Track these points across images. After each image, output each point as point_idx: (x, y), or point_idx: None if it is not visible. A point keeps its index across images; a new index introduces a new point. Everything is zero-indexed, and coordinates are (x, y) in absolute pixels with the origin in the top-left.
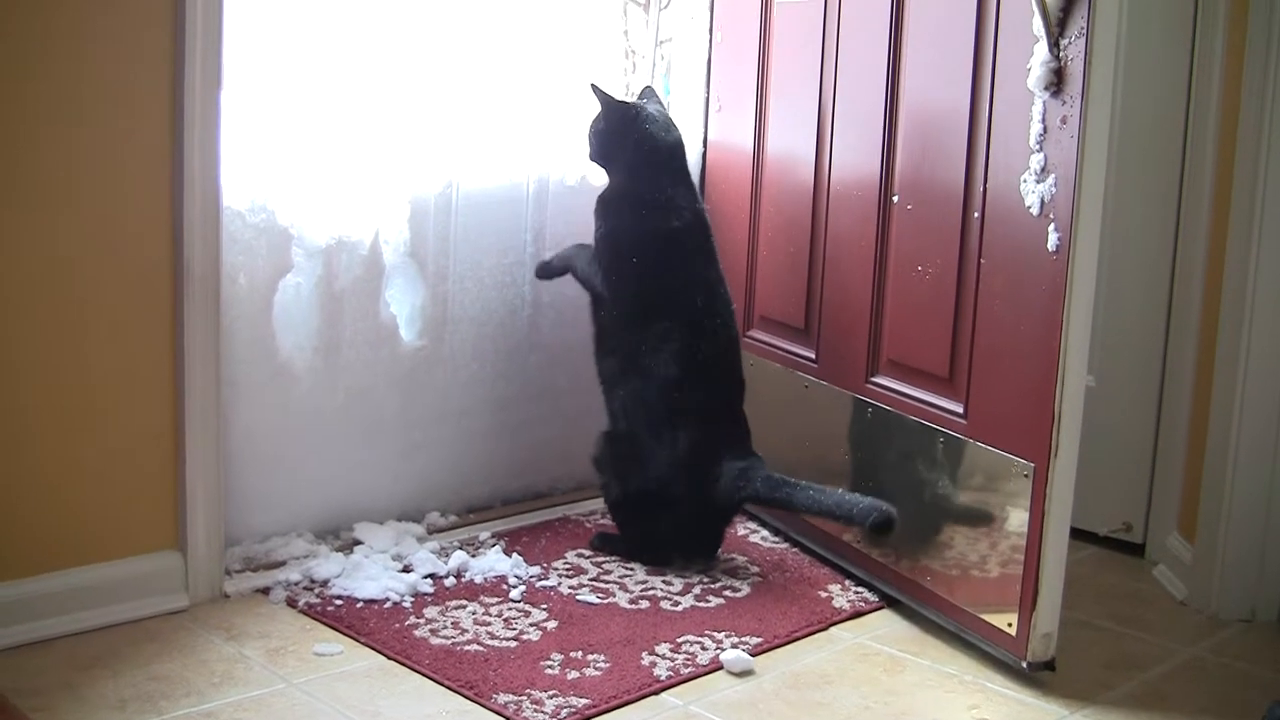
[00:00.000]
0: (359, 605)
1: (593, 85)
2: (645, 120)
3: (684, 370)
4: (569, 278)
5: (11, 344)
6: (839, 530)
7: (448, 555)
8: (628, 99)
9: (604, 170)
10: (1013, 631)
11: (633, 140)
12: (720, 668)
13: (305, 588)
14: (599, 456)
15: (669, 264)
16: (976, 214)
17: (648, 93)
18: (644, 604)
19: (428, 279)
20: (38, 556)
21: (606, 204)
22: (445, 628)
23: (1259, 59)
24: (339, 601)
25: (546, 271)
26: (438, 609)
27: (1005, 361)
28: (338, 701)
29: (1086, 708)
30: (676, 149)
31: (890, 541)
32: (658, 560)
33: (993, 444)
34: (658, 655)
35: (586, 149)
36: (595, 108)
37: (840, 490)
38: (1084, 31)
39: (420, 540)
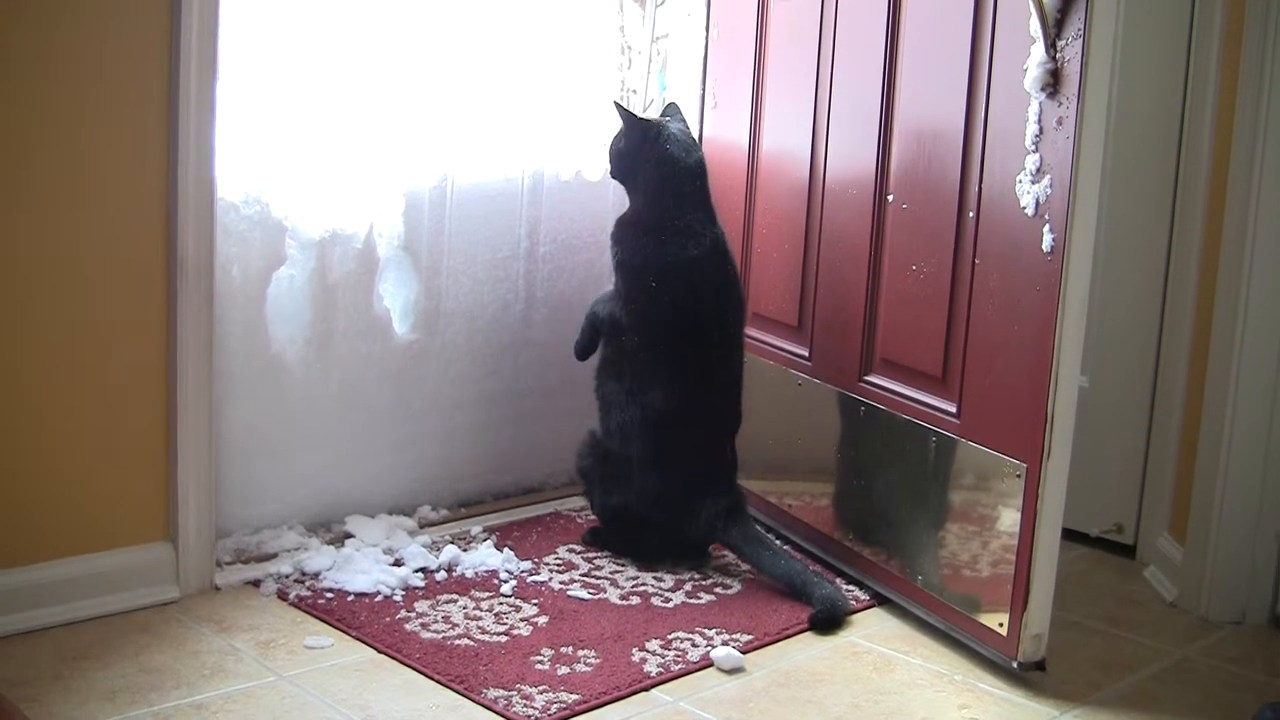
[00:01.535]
0: (350, 598)
1: (615, 103)
2: (666, 140)
3: (688, 407)
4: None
5: (2, 336)
6: (831, 528)
7: (439, 549)
8: (650, 117)
9: (625, 189)
10: (1003, 631)
11: (653, 161)
12: (711, 665)
13: (296, 580)
14: (585, 469)
15: (685, 295)
16: (971, 214)
17: (671, 109)
18: (635, 600)
19: (421, 273)
20: (28, 547)
21: (625, 229)
22: (436, 622)
23: (1254, 61)
24: (330, 594)
25: (583, 349)
26: (428, 603)
27: (999, 361)
28: (328, 695)
29: (1076, 708)
30: (698, 171)
31: (882, 540)
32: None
33: (985, 444)
34: (648, 651)
35: (608, 166)
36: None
37: (811, 568)
38: (1081, 33)
39: (411, 534)
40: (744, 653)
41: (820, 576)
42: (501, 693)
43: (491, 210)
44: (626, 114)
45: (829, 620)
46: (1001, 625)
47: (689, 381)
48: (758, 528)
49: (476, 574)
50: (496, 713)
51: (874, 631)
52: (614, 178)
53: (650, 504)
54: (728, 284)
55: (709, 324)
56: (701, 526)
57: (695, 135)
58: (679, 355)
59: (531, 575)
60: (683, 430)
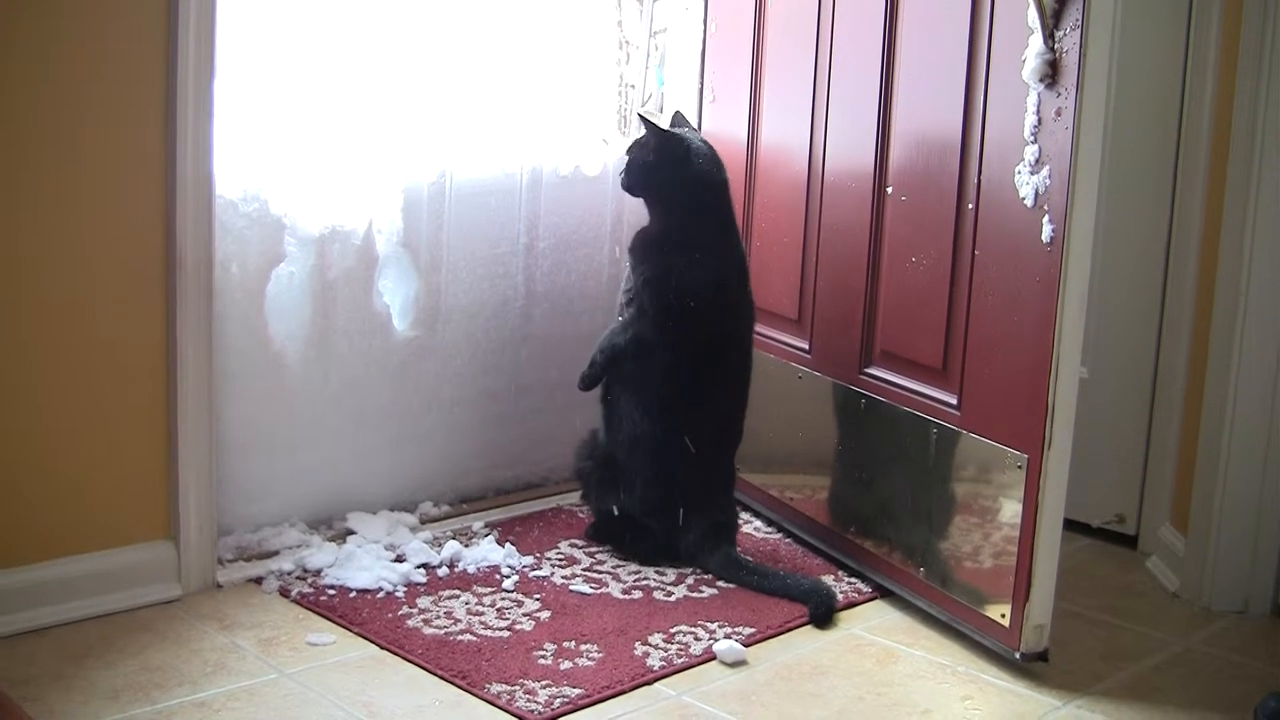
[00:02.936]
0: (352, 595)
1: (641, 115)
2: (697, 156)
3: (702, 424)
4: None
5: (1, 334)
6: (832, 521)
7: (440, 545)
8: (677, 130)
9: (645, 203)
10: (1006, 623)
11: (686, 179)
12: (713, 658)
13: (298, 577)
14: (584, 471)
15: (715, 314)
16: (970, 205)
17: (678, 118)
18: (637, 594)
19: (421, 269)
20: (30, 546)
21: (650, 245)
22: (438, 618)
23: (1253, 50)
24: (332, 591)
25: (592, 382)
26: (431, 599)
27: (999, 353)
28: (330, 691)
29: (1079, 699)
30: (724, 187)
31: (884, 533)
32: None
33: (986, 435)
34: (651, 645)
35: (623, 178)
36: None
37: (799, 574)
38: (1079, 23)
39: (413, 530)
40: (746, 646)
41: (796, 575)
42: (504, 688)
43: (490, 206)
44: (656, 128)
45: (827, 610)
46: (1004, 616)
47: (706, 400)
48: (736, 551)
49: (478, 569)
50: (499, 708)
51: (876, 624)
52: (632, 190)
53: (649, 513)
54: (747, 304)
55: (729, 343)
56: (689, 544)
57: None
58: (700, 373)
59: (533, 570)
60: (695, 445)
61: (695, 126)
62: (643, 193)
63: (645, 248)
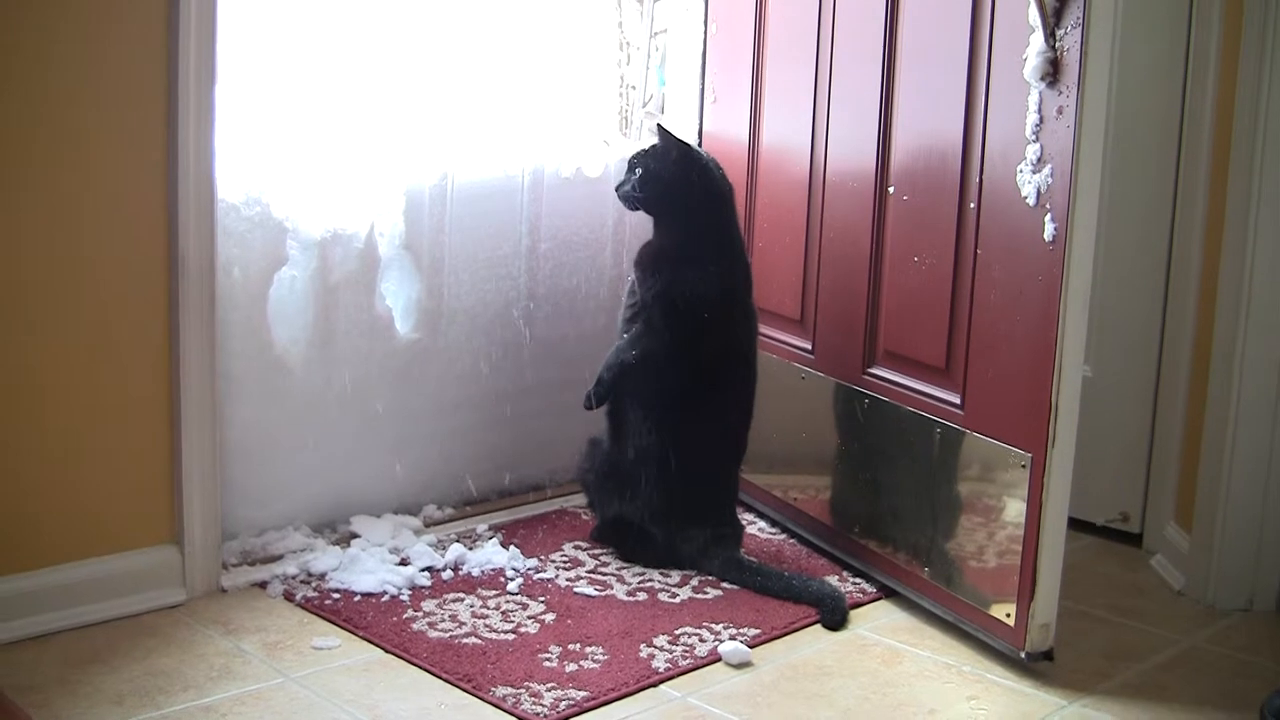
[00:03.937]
0: (356, 599)
1: (659, 126)
2: (708, 168)
3: (709, 436)
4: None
5: (5, 340)
6: (836, 522)
7: (445, 548)
8: (687, 140)
9: (655, 218)
10: (1011, 622)
11: (698, 192)
12: (718, 659)
13: (302, 581)
14: (587, 481)
15: (727, 327)
16: (973, 204)
17: (661, 131)
18: (642, 596)
19: (423, 271)
20: (34, 552)
21: (661, 259)
22: (443, 621)
23: (1254, 48)
24: (336, 595)
25: (600, 400)
26: (435, 602)
27: (1002, 352)
28: (336, 695)
29: (1084, 698)
30: (732, 198)
31: (888, 533)
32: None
33: (990, 435)
34: (656, 647)
35: (635, 195)
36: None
37: (803, 575)
38: (1080, 22)
39: (417, 533)
40: (751, 647)
41: (800, 576)
42: (510, 690)
43: (492, 208)
44: (676, 140)
45: (842, 617)
46: (1009, 615)
47: (712, 412)
48: (741, 553)
49: (483, 572)
50: (505, 710)
51: (881, 624)
52: (645, 207)
53: (653, 521)
54: (753, 316)
55: (735, 355)
56: (690, 552)
57: (695, 130)
58: (706, 386)
59: (538, 572)
60: (700, 459)
61: (680, 136)
62: (656, 208)
63: (654, 261)
